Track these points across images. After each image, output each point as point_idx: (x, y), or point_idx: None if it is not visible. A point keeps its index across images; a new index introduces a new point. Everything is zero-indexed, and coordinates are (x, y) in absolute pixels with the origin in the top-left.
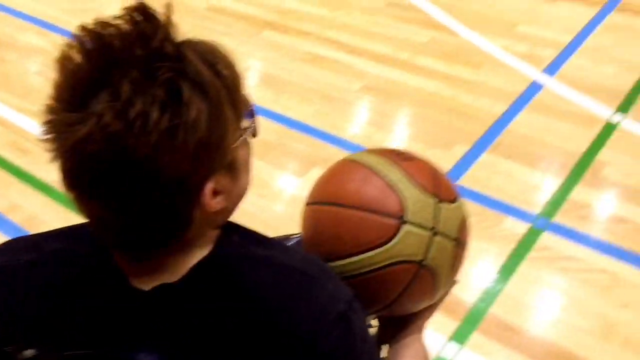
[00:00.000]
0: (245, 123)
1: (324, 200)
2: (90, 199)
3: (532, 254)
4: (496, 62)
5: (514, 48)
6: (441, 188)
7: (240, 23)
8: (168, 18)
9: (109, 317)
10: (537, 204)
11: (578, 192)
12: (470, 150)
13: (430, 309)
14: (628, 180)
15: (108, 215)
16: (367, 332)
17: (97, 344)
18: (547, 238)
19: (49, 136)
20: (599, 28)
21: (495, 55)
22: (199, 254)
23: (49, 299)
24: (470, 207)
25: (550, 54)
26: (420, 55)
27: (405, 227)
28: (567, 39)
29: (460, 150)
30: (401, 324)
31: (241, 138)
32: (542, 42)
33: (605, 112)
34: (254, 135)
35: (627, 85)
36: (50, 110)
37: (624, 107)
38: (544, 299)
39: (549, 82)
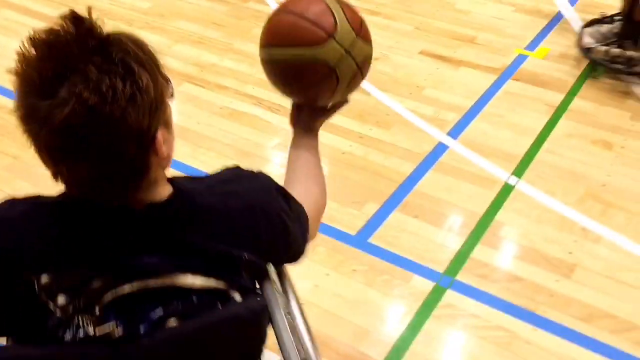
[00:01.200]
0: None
1: (285, 10)
2: (76, 163)
3: (437, 311)
4: (405, 123)
5: (421, 110)
6: (362, 31)
7: None
8: (92, 18)
9: (110, 234)
10: (441, 262)
11: (479, 251)
12: (380, 209)
13: (324, 115)
14: (523, 240)
15: (93, 171)
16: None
17: (101, 259)
18: (450, 296)
19: (31, 126)
20: (497, 95)
21: (404, 117)
22: (162, 190)
23: (52, 231)
24: (381, 266)
25: (453, 118)
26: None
27: (332, 41)
28: (469, 103)
29: (371, 209)
30: (305, 119)
31: (169, 99)
32: (447, 105)
33: (503, 174)
34: (172, 95)
35: (521, 149)
36: (24, 105)
37: (519, 170)
38: (447, 356)
39: (453, 145)
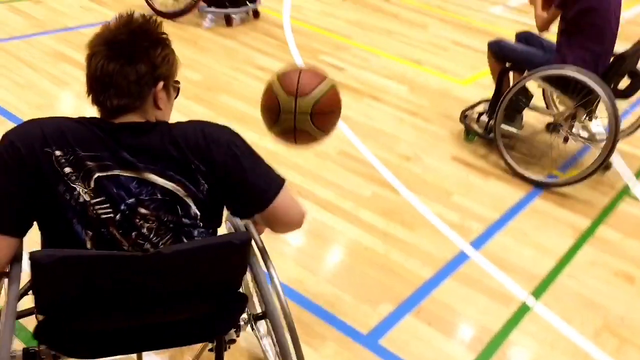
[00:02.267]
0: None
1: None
2: (110, 61)
3: None
4: (430, 227)
5: (446, 216)
6: (299, 90)
7: None
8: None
9: (105, 136)
10: None
11: None
12: (394, 311)
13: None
14: None
15: (119, 71)
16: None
17: (96, 149)
18: None
19: (97, 42)
20: (523, 211)
21: (430, 220)
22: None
23: (69, 127)
24: None
25: (478, 228)
26: (362, 207)
27: (282, 115)
28: (495, 216)
29: (385, 309)
30: None
31: (175, 84)
32: (473, 215)
33: (521, 293)
34: (177, 92)
35: (542, 270)
36: (101, 39)
37: (538, 291)
38: None
39: (475, 255)
